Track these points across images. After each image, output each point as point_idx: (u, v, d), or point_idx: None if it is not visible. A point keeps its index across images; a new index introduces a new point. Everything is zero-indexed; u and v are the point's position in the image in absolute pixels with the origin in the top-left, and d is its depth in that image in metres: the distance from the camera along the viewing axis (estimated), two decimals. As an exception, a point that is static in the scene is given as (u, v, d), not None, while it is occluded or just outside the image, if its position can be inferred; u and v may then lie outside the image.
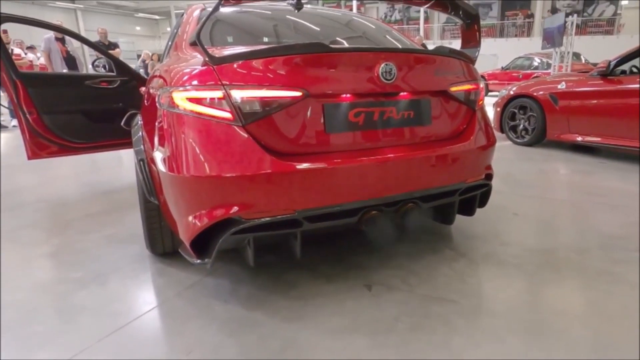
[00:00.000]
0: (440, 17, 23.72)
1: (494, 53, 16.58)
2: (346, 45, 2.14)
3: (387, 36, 2.40)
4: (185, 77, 1.53)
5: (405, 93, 1.67)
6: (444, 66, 1.78)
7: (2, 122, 8.04)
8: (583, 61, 10.72)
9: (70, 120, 3.22)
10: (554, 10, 19.62)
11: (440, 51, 1.79)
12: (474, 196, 1.97)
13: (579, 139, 4.28)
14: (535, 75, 8.73)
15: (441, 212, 2.00)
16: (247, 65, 1.47)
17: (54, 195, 3.41)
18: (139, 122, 2.01)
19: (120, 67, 3.38)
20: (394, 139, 1.69)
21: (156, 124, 1.70)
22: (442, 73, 1.77)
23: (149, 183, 1.79)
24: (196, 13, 2.20)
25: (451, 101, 1.81)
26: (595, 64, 10.03)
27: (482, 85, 1.95)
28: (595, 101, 4.09)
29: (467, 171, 1.86)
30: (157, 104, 1.68)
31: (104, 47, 9.16)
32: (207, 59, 1.46)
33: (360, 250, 2.12)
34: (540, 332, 1.46)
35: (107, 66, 3.43)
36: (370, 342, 1.43)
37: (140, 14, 34.05)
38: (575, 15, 7.75)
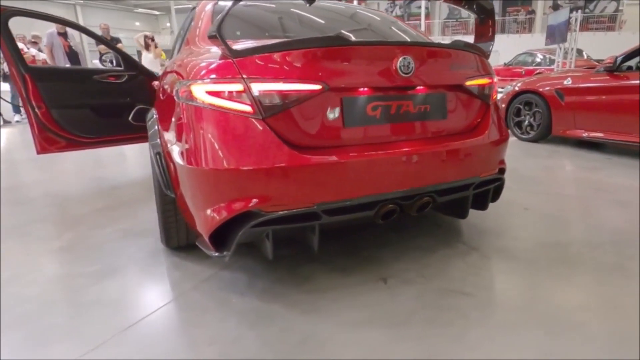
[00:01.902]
0: (441, 13, 23.66)
1: (496, 49, 16.54)
2: (353, 37, 2.15)
3: (393, 28, 2.41)
4: (205, 71, 1.53)
5: (422, 87, 1.68)
6: (459, 60, 1.79)
7: (4, 118, 8.02)
8: (585, 57, 10.69)
9: (78, 115, 3.22)
10: (555, 7, 19.53)
11: (457, 45, 1.79)
12: (487, 190, 1.98)
13: (585, 134, 4.28)
14: (538, 71, 8.72)
15: (454, 206, 2.01)
16: (267, 58, 1.48)
17: (60, 190, 3.42)
18: (154, 116, 2.01)
19: (128, 61, 3.38)
20: (411, 132, 1.70)
21: (173, 117, 1.71)
22: (457, 67, 1.77)
23: (166, 176, 1.79)
24: (208, 8, 2.19)
25: (466, 95, 1.82)
26: (598, 60, 10.04)
27: (495, 79, 1.96)
28: (602, 97, 4.09)
29: (482, 165, 1.87)
30: (174, 98, 1.68)
31: (105, 43, 9.15)
32: (227, 52, 1.46)
33: (374, 244, 2.13)
34: (556, 326, 1.47)
35: (114, 61, 3.44)
36: (388, 334, 1.45)
37: (140, 10, 33.91)
38: (579, 11, 7.73)
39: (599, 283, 1.76)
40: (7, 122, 8.10)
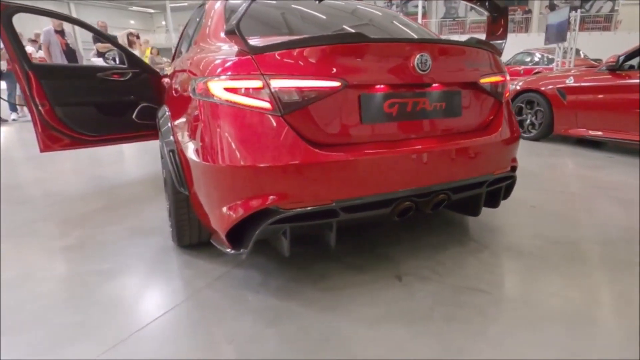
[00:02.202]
0: (437, 13, 23.73)
1: (492, 48, 16.58)
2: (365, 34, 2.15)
3: (395, 22, 2.42)
4: (222, 67, 1.52)
5: (437, 84, 1.68)
6: (474, 58, 1.79)
7: (1, 116, 7.94)
8: (582, 56, 10.77)
9: (82, 113, 3.20)
10: (551, 7, 19.66)
11: (472, 43, 1.80)
12: (499, 188, 1.99)
13: (588, 133, 4.31)
14: (536, 70, 8.77)
15: (467, 204, 2.02)
16: (286, 54, 1.47)
17: (61, 188, 3.39)
18: (167, 113, 2.00)
19: (132, 59, 3.36)
20: (426, 130, 1.70)
21: (188, 114, 1.70)
22: (472, 64, 1.78)
23: (180, 174, 1.78)
24: (219, 6, 2.19)
25: (480, 93, 1.83)
26: (595, 60, 10.11)
27: (508, 77, 1.97)
28: (604, 96, 4.13)
29: (495, 163, 1.88)
30: (189, 95, 1.67)
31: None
32: (246, 48, 1.45)
33: (386, 242, 2.14)
34: (575, 321, 1.48)
35: (116, 58, 3.42)
36: (409, 331, 1.45)
37: (135, 8, 33.73)
38: (578, 11, 7.78)
39: (612, 280, 1.77)
40: (4, 121, 8.02)
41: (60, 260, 2.06)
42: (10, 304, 1.66)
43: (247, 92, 1.46)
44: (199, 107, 1.57)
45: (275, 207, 1.49)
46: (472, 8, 22.50)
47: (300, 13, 2.25)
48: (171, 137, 1.87)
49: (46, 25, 7.59)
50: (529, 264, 1.91)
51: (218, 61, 1.57)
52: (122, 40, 8.62)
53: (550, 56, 9.26)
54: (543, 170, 3.65)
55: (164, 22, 36.24)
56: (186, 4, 32.90)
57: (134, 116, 3.32)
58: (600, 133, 4.22)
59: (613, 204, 2.71)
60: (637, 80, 3.86)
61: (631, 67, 4.04)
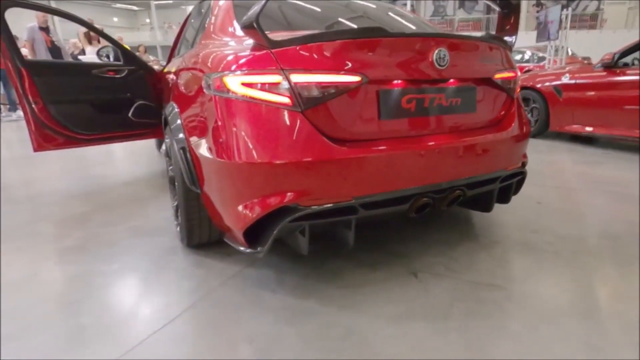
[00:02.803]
0: (426, 11, 23.90)
1: (482, 47, 16.79)
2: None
3: (391, 13, 2.44)
4: (240, 62, 1.50)
5: (454, 80, 1.69)
6: (488, 53, 1.81)
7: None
8: (570, 54, 10.96)
9: (77, 111, 3.14)
10: (539, 4, 20.02)
11: (487, 38, 1.81)
12: (511, 184, 2.01)
13: (584, 129, 4.40)
14: (527, 68, 8.89)
15: (480, 200, 2.04)
16: (305, 49, 1.46)
17: (57, 188, 3.33)
18: (175, 110, 1.97)
19: (127, 55, 3.31)
20: (443, 125, 1.71)
21: (201, 110, 1.68)
22: (487, 60, 1.79)
23: (192, 171, 1.76)
24: (224, 2, 2.17)
25: (494, 89, 1.84)
26: (584, 58, 10.31)
27: (519, 73, 1.99)
28: (600, 93, 4.21)
29: (508, 159, 1.90)
30: (201, 90, 1.65)
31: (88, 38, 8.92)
32: (265, 43, 1.44)
33: (398, 239, 2.14)
34: (594, 315, 1.51)
35: (110, 55, 3.36)
36: (430, 327, 1.46)
37: (118, 5, 33.27)
38: (569, 9, 7.93)
39: (625, 274, 1.81)
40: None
41: (63, 261, 2.02)
42: (15, 308, 1.62)
43: (266, 87, 1.44)
44: (215, 103, 1.55)
45: (295, 204, 1.48)
46: (460, 6, 22.75)
47: (295, 7, 2.24)
48: (181, 135, 1.85)
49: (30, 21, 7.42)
50: (540, 259, 1.94)
51: (234, 56, 1.55)
52: (80, 39, 8.36)
53: (541, 54, 9.40)
54: (544, 166, 3.71)
55: (148, 20, 35.84)
56: (171, 1, 32.59)
57: (130, 114, 3.27)
58: (596, 130, 4.30)
59: (615, 199, 2.76)
60: (632, 78, 3.95)
61: (625, 64, 4.13)
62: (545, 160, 3.97)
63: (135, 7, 34.98)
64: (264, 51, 1.46)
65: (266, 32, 1.44)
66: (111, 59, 3.35)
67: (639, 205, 2.62)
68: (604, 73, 4.19)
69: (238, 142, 1.48)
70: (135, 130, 3.42)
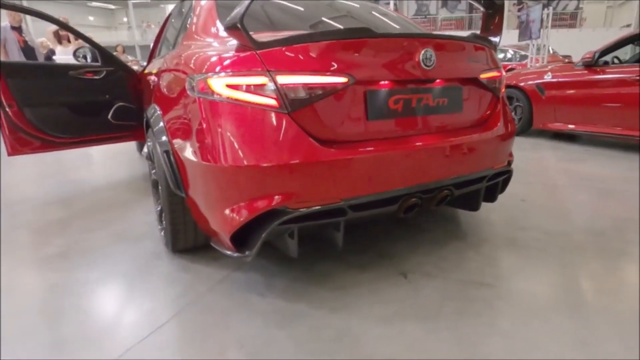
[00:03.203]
0: (409, 10, 24.14)
1: (464, 46, 17.06)
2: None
3: (374, 12, 2.48)
4: (224, 63, 1.49)
5: (440, 80, 1.72)
6: (473, 53, 1.84)
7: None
8: (551, 52, 11.21)
9: (54, 114, 3.08)
10: (519, 3, 20.41)
11: (472, 38, 1.84)
12: (497, 182, 2.05)
13: (567, 127, 4.51)
14: (510, 67, 9.07)
15: (467, 199, 2.07)
16: (291, 50, 1.46)
17: (34, 194, 3.26)
18: (158, 112, 1.95)
19: (106, 56, 3.25)
20: (430, 126, 1.73)
21: (184, 113, 1.66)
22: (472, 60, 1.82)
23: (177, 175, 1.74)
24: (206, 2, 2.15)
25: (480, 89, 1.88)
26: (564, 56, 10.56)
27: (504, 73, 2.03)
28: (581, 91, 4.32)
29: (495, 157, 1.93)
30: (186, 92, 1.64)
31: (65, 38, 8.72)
32: (250, 44, 1.44)
33: (386, 239, 2.16)
34: (582, 310, 1.55)
35: (87, 56, 3.31)
36: (421, 327, 1.47)
37: (94, 3, 32.63)
38: (550, 8, 8.13)
39: (610, 268, 1.86)
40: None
41: (45, 270, 1.97)
42: (-4, 319, 1.58)
43: (252, 89, 1.44)
44: (199, 106, 1.54)
45: (283, 207, 1.48)
46: (443, 5, 23.05)
47: (278, 6, 2.24)
48: (165, 137, 1.83)
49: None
50: (527, 256, 1.98)
51: (218, 57, 1.54)
52: (49, 38, 8.12)
53: (523, 53, 9.60)
54: (528, 164, 3.79)
55: (125, 19, 35.28)
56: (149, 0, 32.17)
57: (109, 116, 3.22)
58: (578, 127, 4.41)
59: (598, 196, 2.84)
60: (612, 76, 4.07)
61: (605, 62, 4.25)
62: (529, 157, 4.05)
63: (112, 6, 34.37)
64: (249, 52, 1.46)
65: (249, 33, 1.44)
66: (88, 59, 3.29)
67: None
68: (585, 71, 4.31)
69: (224, 145, 1.48)
70: (115, 133, 3.37)
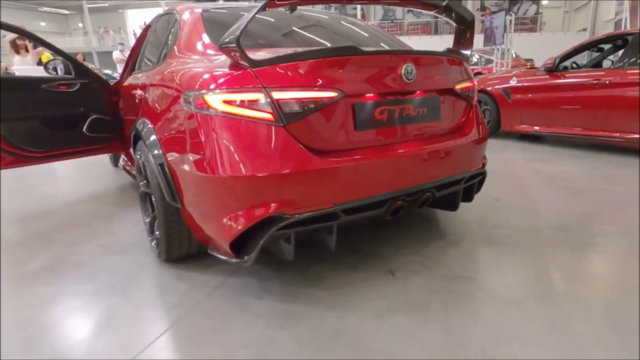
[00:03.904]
0: (376, 15, 24.75)
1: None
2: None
3: (343, 22, 2.67)
4: (221, 80, 1.62)
5: (420, 91, 1.90)
6: (449, 66, 2.04)
7: None
8: (515, 56, 11.82)
9: (26, 128, 3.08)
10: (483, 9, 21.39)
11: (447, 53, 2.05)
12: (473, 183, 2.26)
13: (532, 129, 4.85)
14: (476, 71, 9.53)
15: (447, 200, 2.26)
16: (285, 67, 1.60)
17: (12, 209, 3.23)
18: (149, 126, 2.04)
19: (79, 68, 3.28)
20: (412, 133, 1.91)
21: (179, 126, 1.77)
22: (448, 72, 2.02)
23: (172, 187, 1.84)
24: (187, 16, 2.26)
25: (455, 98, 2.07)
26: (527, 59, 11.18)
27: (476, 82, 2.25)
28: (544, 94, 4.68)
29: (471, 161, 2.14)
30: (181, 107, 1.74)
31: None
32: (246, 62, 1.56)
33: (373, 241, 2.32)
34: (555, 298, 1.75)
35: (57, 68, 3.32)
36: (413, 320, 1.63)
37: (46, 8, 31.58)
38: (512, 14, 8.64)
39: (579, 259, 2.09)
40: None
41: (35, 285, 2.00)
42: (-5, 335, 1.62)
43: (250, 104, 1.57)
44: (197, 120, 1.64)
45: (280, 213, 1.61)
46: (409, 10, 23.73)
47: (259, 20, 2.34)
48: (158, 151, 1.92)
49: None
50: (502, 251, 2.19)
51: (215, 74, 1.66)
52: (6, 48, 7.91)
53: (488, 57, 10.11)
54: (499, 165, 4.07)
55: (81, 24, 34.31)
56: (106, 4, 31.41)
57: (84, 129, 3.25)
58: (542, 128, 4.77)
59: (565, 193, 3.12)
60: (572, 80, 4.43)
61: (565, 67, 4.63)
62: (499, 159, 4.34)
63: (65, 11, 33.36)
64: (245, 69, 1.59)
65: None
66: (59, 72, 3.30)
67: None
68: (547, 76, 4.66)
69: (222, 156, 1.59)
70: (91, 146, 3.39)
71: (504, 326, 1.58)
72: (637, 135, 3.94)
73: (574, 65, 4.77)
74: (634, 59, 4.07)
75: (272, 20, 2.41)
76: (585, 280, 1.90)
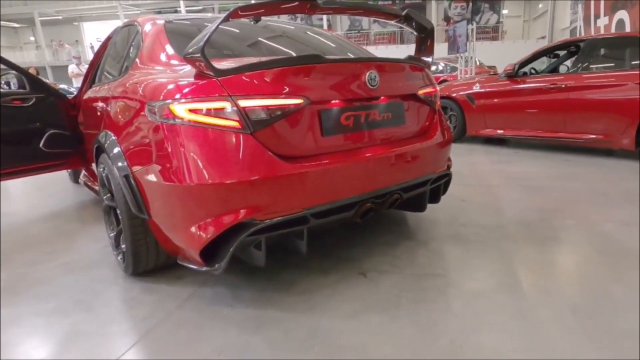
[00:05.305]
0: (342, 25, 25.27)
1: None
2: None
3: (309, 32, 2.80)
4: (186, 90, 1.66)
5: (384, 97, 2.00)
6: (411, 73, 2.16)
7: None
8: (478, 64, 12.33)
9: None
10: (446, 19, 22.26)
11: (410, 60, 2.17)
12: (439, 185, 2.38)
13: (496, 132, 5.11)
14: (442, 78, 9.91)
15: (414, 202, 2.37)
16: (250, 76, 1.67)
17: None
18: (112, 138, 2.05)
19: (34, 82, 3.24)
20: (378, 138, 2.01)
21: (143, 137, 1.80)
22: (411, 79, 2.14)
23: (138, 198, 1.85)
24: (149, 28, 2.29)
25: (418, 103, 2.19)
26: (490, 66, 11.69)
27: (438, 88, 2.38)
28: (505, 99, 4.95)
29: (436, 163, 2.26)
30: (145, 117, 1.77)
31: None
32: (211, 71, 1.62)
33: (344, 245, 2.39)
34: (523, 289, 1.87)
35: (10, 83, 3.27)
36: (385, 317, 1.70)
37: (-6, 21, 30.51)
38: (474, 23, 9.08)
39: (541, 252, 2.24)
40: None
41: (-7, 306, 1.96)
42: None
43: (216, 113, 1.62)
44: (163, 130, 1.68)
45: (251, 219, 1.66)
46: (375, 20, 24.37)
47: (220, 30, 2.41)
48: (123, 163, 1.93)
49: None
50: (470, 248, 2.31)
51: (181, 84, 1.71)
52: None
53: (454, 65, 10.52)
54: (465, 167, 4.26)
55: (32, 38, 33.35)
56: (60, 17, 30.69)
57: (41, 145, 3.19)
58: (505, 132, 5.03)
59: (526, 192, 3.32)
60: (531, 85, 4.71)
61: (525, 73, 4.92)
62: (465, 162, 4.55)
63: (15, 24, 32.36)
64: (211, 79, 1.64)
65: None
66: (12, 86, 3.25)
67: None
68: (508, 82, 4.93)
69: (188, 165, 1.63)
70: (49, 162, 3.33)
71: (473, 317, 1.67)
72: (593, 136, 4.23)
73: (532, 71, 5.06)
74: (586, 64, 4.39)
75: (237, 31, 2.49)
76: (548, 272, 2.04)
